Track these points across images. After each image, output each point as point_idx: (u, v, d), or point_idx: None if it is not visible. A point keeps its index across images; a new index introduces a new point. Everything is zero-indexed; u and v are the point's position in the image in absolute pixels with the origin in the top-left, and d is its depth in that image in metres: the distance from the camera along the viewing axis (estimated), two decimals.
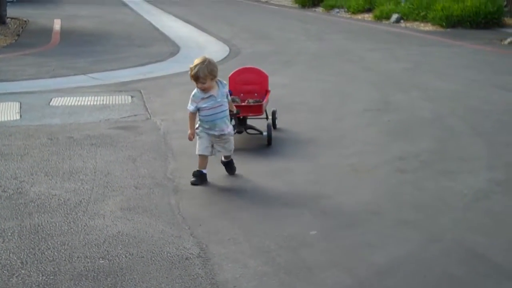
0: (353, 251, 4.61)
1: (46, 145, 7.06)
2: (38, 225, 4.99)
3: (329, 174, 6.25)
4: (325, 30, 19.23)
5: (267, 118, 7.52)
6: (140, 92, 9.85)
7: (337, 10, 25.08)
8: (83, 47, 14.79)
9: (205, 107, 5.84)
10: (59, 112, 8.60)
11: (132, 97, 9.57)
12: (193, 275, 4.23)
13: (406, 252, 4.60)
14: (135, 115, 8.48)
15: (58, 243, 4.69)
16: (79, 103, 9.16)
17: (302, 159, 6.68)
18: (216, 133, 5.90)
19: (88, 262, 4.39)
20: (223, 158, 6.17)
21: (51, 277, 4.18)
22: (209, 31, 18.39)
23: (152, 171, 6.23)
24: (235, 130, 6.73)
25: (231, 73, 7.65)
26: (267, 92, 7.66)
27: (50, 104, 9.09)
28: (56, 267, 4.32)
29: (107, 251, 4.57)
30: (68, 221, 5.08)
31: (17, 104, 8.96)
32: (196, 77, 5.76)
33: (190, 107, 5.89)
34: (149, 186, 5.84)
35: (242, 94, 7.52)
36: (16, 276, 4.20)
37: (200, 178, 5.90)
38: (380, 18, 21.75)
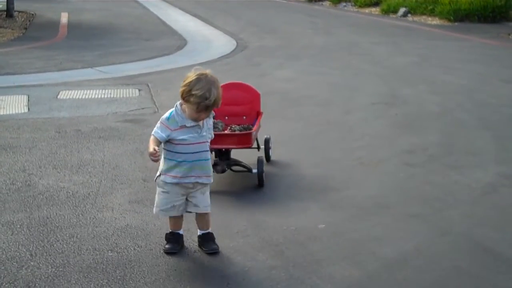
0: (362, 244, 4.61)
1: (54, 138, 7.08)
2: (47, 218, 5.00)
3: (337, 168, 6.24)
4: (333, 24, 19.19)
5: (258, 148, 6.01)
6: (148, 86, 9.86)
7: (344, 4, 25.00)
8: (91, 41, 14.79)
9: (182, 140, 4.22)
10: (66, 105, 8.61)
11: (139, 90, 9.58)
12: (201, 267, 4.24)
13: (415, 245, 4.59)
14: (143, 108, 8.49)
15: (67, 235, 4.70)
16: (86, 96, 9.17)
17: (310, 153, 6.68)
18: (191, 180, 4.31)
19: (97, 255, 4.40)
20: (198, 230, 4.53)
21: (60, 269, 4.19)
22: (216, 25, 18.37)
23: (159, 164, 6.23)
24: (214, 169, 5.15)
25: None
26: (258, 114, 6.06)
27: (58, 97, 9.10)
28: (65, 259, 4.33)
29: (116, 243, 4.58)
30: (76, 213, 5.09)
31: (25, 97, 8.98)
32: (206, 107, 4.14)
33: (158, 132, 4.24)
34: None
35: (227, 117, 5.96)
36: (25, 268, 4.21)
37: (176, 242, 4.48)
38: (388, 12, 21.69)
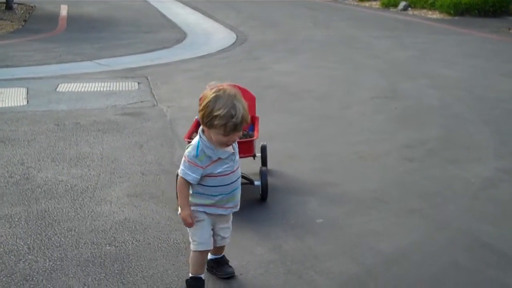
0: (360, 239, 4.60)
1: (52, 131, 7.06)
2: (45, 211, 5.00)
3: (335, 162, 6.23)
4: (333, 17, 19.15)
5: (254, 157, 5.47)
6: (147, 79, 9.84)
7: None
8: (90, 33, 14.77)
9: (218, 173, 3.61)
10: (65, 98, 8.60)
11: (138, 83, 9.56)
12: None
13: (413, 240, 4.59)
14: (142, 102, 8.47)
15: (65, 229, 4.69)
16: (85, 89, 9.16)
17: (309, 147, 6.66)
18: (227, 212, 3.78)
19: (95, 248, 4.40)
20: (211, 254, 4.03)
21: (58, 262, 4.19)
22: (216, 18, 18.34)
23: (158, 158, 6.23)
24: None
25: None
26: (254, 119, 5.58)
27: (57, 90, 9.09)
28: (63, 252, 4.32)
29: (114, 237, 4.57)
30: (75, 207, 5.09)
31: (24, 90, 8.97)
32: (234, 126, 3.44)
33: (189, 174, 3.56)
34: (155, 172, 5.84)
35: None
36: (23, 261, 4.21)
37: None
38: (388, 5, 21.68)
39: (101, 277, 4.01)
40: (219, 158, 3.56)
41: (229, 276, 3.99)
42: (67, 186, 5.51)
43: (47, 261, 4.21)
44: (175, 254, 4.33)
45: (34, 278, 4.00)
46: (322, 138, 7.03)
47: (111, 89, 9.20)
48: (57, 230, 4.67)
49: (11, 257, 4.27)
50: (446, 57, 12.14)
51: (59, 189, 5.43)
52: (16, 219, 4.85)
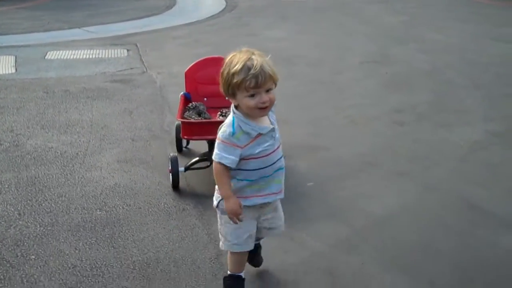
0: (350, 202, 4.62)
1: (42, 98, 7.03)
2: (35, 177, 4.99)
3: (327, 126, 6.23)
4: None
5: None
6: (136, 46, 9.77)
7: None
8: (79, 0, 14.62)
9: (258, 154, 3.13)
10: (54, 66, 8.54)
11: (128, 50, 9.49)
12: (190, 226, 4.25)
13: (402, 203, 4.61)
14: (131, 68, 8.42)
15: (55, 194, 4.69)
16: (74, 57, 9.09)
17: (300, 112, 6.66)
18: (269, 199, 3.28)
19: (85, 214, 4.40)
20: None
21: (49, 228, 4.20)
22: None
23: (148, 124, 6.22)
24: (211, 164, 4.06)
25: (187, 68, 5.27)
26: None
27: (46, 57, 9.02)
28: (53, 218, 4.33)
29: (104, 202, 4.58)
30: (65, 173, 5.08)
31: (12, 58, 8.90)
32: (256, 79, 2.99)
33: (225, 157, 3.08)
34: (146, 138, 5.83)
35: (205, 99, 5.23)
36: (14, 227, 4.21)
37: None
38: None
39: (92, 242, 4.02)
40: (259, 134, 3.08)
41: (259, 264, 3.71)
42: (57, 152, 5.49)
43: (38, 226, 4.22)
44: (165, 218, 4.35)
45: (25, 243, 4.01)
46: (314, 103, 7.02)
47: (100, 56, 9.13)
48: (47, 196, 4.67)
49: (2, 222, 4.28)
50: (437, 22, 12.08)
51: (49, 156, 5.42)
52: (6, 186, 4.84)
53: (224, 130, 3.10)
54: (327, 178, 5.03)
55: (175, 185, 4.78)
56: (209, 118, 4.90)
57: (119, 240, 4.05)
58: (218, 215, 3.34)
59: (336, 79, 8.03)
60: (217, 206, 3.27)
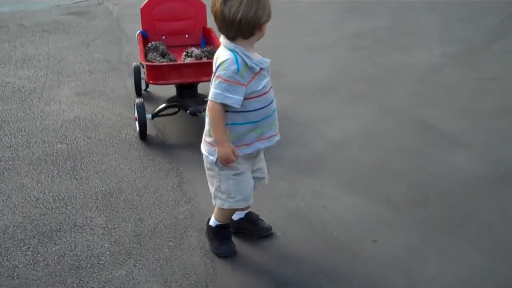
0: (309, 127, 4.69)
1: None
2: None
3: (285, 54, 6.25)
4: None
5: None
6: None
7: None
8: None
9: (260, 91, 2.92)
10: (7, 0, 8.34)
11: None
12: (152, 155, 4.29)
13: (360, 126, 4.70)
14: (87, 0, 8.28)
15: (15, 129, 4.68)
16: None
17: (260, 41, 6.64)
18: (273, 142, 3.08)
19: (46, 147, 4.41)
20: (238, 213, 3.39)
21: (10, 162, 4.20)
22: None
23: (106, 56, 6.17)
24: (189, 111, 4.42)
25: (143, 4, 4.92)
26: (206, 31, 4.92)
27: None
28: (14, 152, 4.33)
29: (65, 135, 4.58)
30: (23, 107, 5.05)
31: None
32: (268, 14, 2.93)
33: (230, 97, 2.80)
34: (104, 70, 5.80)
35: (164, 37, 4.88)
36: None
37: (231, 239, 3.31)
38: None
39: (54, 174, 4.04)
40: (261, 69, 2.89)
41: (269, 233, 3.40)
42: (15, 87, 5.44)
43: None
44: (127, 149, 4.37)
45: None
46: (271, 30, 6.90)
47: None
48: (6, 131, 4.65)
49: None
50: None
51: (6, 91, 5.37)
52: None
53: (226, 67, 2.77)
54: (286, 104, 5.05)
55: (143, 134, 4.45)
56: (174, 60, 4.54)
57: (81, 172, 4.08)
58: (211, 173, 3.07)
59: (292, 6, 8.00)
60: (215, 162, 2.97)
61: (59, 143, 4.46)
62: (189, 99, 4.50)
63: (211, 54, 4.40)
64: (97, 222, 3.52)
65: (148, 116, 4.46)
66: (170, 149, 4.36)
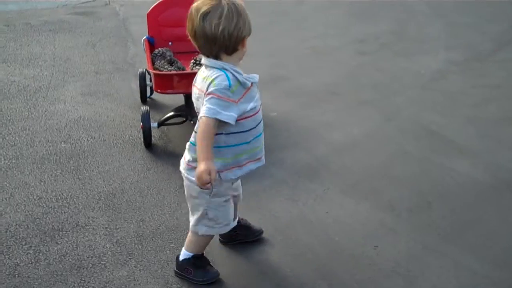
0: (312, 131, 4.70)
1: (3, 32, 6.92)
2: None
3: (290, 57, 6.26)
4: None
5: None
6: None
7: None
8: None
9: (254, 109, 2.80)
10: None
11: None
12: (155, 157, 4.30)
13: (363, 130, 4.70)
14: (94, 1, 8.29)
15: (19, 128, 4.69)
16: None
17: (263, 42, 6.65)
18: (261, 162, 2.98)
19: (50, 146, 4.42)
20: (240, 219, 3.32)
21: (13, 161, 4.21)
22: None
23: (112, 56, 6.18)
24: (186, 119, 4.40)
25: (149, 9, 4.83)
26: None
27: None
28: (17, 151, 4.34)
29: (69, 135, 4.59)
30: (28, 107, 5.06)
31: None
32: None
33: (226, 114, 2.65)
34: (109, 71, 5.81)
35: (170, 43, 4.79)
36: None
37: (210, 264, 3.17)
38: None
39: (57, 174, 4.05)
40: (252, 84, 2.77)
41: (260, 236, 3.41)
42: (20, 86, 5.46)
43: (2, 159, 4.22)
44: (130, 150, 4.38)
45: None
46: (277, 34, 7.02)
47: None
48: (11, 129, 4.67)
49: None
50: None
51: (12, 90, 5.38)
52: None
53: (217, 83, 2.65)
54: (290, 108, 5.09)
55: (148, 142, 4.37)
56: (183, 68, 4.42)
57: (84, 171, 4.09)
58: (197, 202, 2.94)
59: (299, 9, 8.01)
60: (211, 191, 2.82)
61: (63, 143, 4.47)
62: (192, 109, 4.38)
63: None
64: (99, 222, 3.52)
65: (154, 124, 4.37)
66: (173, 151, 4.37)
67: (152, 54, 4.56)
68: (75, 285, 3.01)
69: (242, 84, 2.71)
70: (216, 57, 2.74)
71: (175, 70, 4.35)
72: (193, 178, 2.75)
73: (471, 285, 3.03)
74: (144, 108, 4.37)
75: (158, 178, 4.02)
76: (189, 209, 3.03)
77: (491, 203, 3.74)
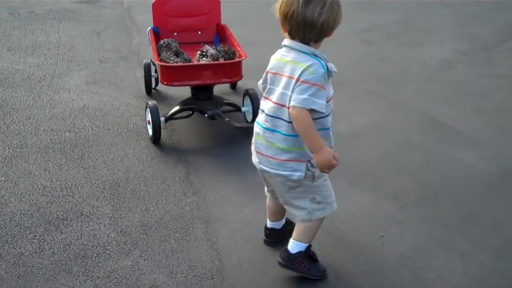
0: None
1: (7, 20, 6.90)
2: (2, 100, 4.95)
3: None
4: None
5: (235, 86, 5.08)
6: None
7: None
8: None
9: (332, 95, 2.84)
10: None
11: None
12: (159, 145, 4.27)
13: (369, 120, 4.68)
14: None
15: (24, 117, 4.67)
16: None
17: (268, 32, 6.59)
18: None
19: (54, 135, 4.40)
20: (275, 222, 3.25)
21: (18, 150, 4.19)
22: None
23: (116, 45, 6.16)
24: (207, 114, 4.23)
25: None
26: (220, 28, 4.84)
27: None
28: (22, 140, 4.32)
29: (73, 124, 4.58)
30: (33, 95, 5.05)
31: None
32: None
33: (319, 103, 2.62)
34: (114, 60, 5.79)
35: (176, 34, 4.77)
36: None
37: None
38: None
39: (61, 162, 4.04)
40: (333, 73, 2.76)
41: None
42: (24, 75, 5.44)
43: (7, 148, 4.21)
44: (135, 139, 4.37)
45: None
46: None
47: None
48: (15, 118, 4.65)
49: None
50: None
51: (16, 78, 5.37)
52: None
53: (313, 71, 2.60)
54: None
55: (157, 138, 4.25)
56: (189, 60, 4.33)
57: (89, 160, 4.07)
58: (300, 190, 2.86)
59: None
60: (306, 175, 2.78)
61: (67, 132, 4.46)
62: (205, 101, 4.32)
63: (227, 54, 4.31)
64: (104, 211, 3.51)
65: (161, 119, 4.28)
66: (178, 140, 4.35)
67: (158, 44, 4.50)
68: (80, 274, 3.00)
69: (329, 72, 2.70)
70: (307, 42, 2.71)
71: (182, 61, 4.28)
72: (286, 173, 2.75)
73: (478, 276, 3.01)
74: (152, 103, 4.26)
75: (163, 168, 4.00)
76: (288, 203, 2.94)
77: (498, 194, 3.72)
